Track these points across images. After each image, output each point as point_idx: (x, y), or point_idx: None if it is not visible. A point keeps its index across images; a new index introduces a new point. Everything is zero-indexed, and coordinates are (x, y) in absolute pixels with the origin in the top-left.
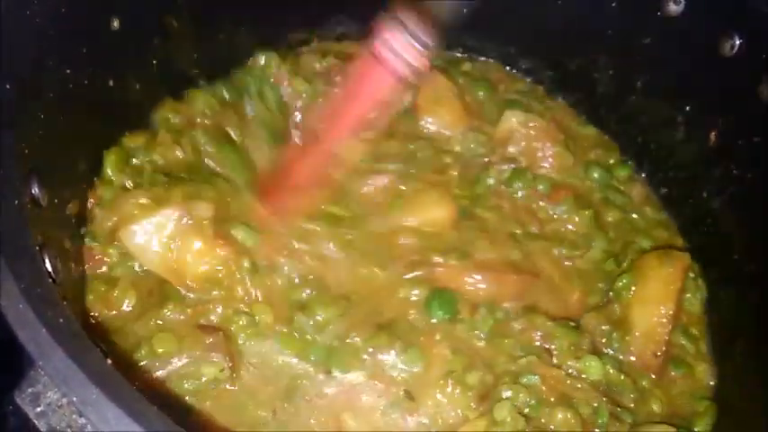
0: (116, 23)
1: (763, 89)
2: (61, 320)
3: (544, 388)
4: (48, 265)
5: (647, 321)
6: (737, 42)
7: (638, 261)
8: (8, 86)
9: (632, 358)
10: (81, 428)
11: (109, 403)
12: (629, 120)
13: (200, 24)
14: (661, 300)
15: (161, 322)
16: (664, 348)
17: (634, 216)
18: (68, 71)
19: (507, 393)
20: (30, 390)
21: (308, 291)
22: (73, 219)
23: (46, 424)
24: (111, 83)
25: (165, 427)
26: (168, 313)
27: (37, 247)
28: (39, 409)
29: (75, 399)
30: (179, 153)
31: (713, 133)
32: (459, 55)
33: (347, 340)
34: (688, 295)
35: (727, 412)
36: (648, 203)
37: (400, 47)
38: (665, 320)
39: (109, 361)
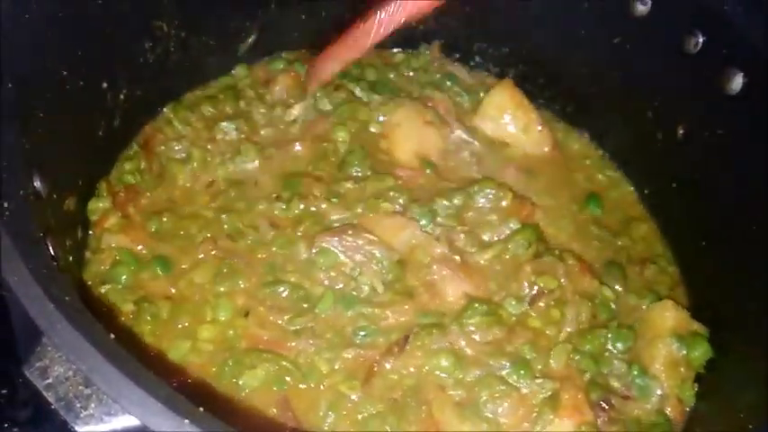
0: (109, 28)
1: (725, 83)
2: (67, 298)
3: None
4: (51, 250)
5: None
6: (701, 40)
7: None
8: (10, 85)
9: None
10: (86, 398)
11: (112, 368)
12: (600, 116)
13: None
14: None
15: None
16: None
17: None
18: (65, 73)
19: None
20: (37, 364)
21: None
22: (70, 214)
23: (54, 395)
24: (104, 85)
25: (162, 389)
26: None
27: (41, 234)
28: (47, 382)
29: (82, 367)
30: None
31: (681, 127)
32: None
33: None
34: None
35: None
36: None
37: None
38: None
39: (112, 336)
